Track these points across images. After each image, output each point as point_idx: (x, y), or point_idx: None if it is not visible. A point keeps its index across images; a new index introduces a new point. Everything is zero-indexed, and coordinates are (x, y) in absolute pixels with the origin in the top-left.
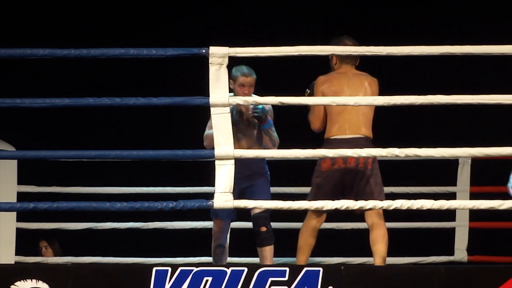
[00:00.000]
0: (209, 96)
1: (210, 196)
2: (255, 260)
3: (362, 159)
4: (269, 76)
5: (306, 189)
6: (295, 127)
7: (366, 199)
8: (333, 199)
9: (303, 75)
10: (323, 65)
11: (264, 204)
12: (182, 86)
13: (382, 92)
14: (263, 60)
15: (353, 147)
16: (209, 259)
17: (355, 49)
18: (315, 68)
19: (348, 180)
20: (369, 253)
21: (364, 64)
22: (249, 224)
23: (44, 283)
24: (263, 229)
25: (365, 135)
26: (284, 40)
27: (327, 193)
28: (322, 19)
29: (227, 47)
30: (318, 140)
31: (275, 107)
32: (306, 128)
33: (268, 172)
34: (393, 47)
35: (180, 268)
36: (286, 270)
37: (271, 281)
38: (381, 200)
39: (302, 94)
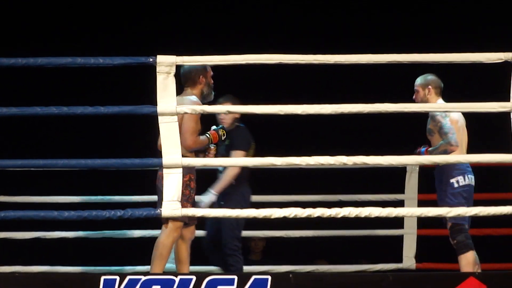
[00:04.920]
0: (156, 105)
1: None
2: (204, 268)
3: (160, 176)
4: (217, 85)
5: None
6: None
7: None
8: None
9: (250, 83)
10: (273, 72)
11: (212, 212)
12: (130, 95)
13: (331, 100)
14: (212, 69)
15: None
16: None
17: (303, 57)
18: (264, 75)
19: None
20: (317, 261)
21: (313, 72)
22: (197, 233)
23: None
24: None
25: None
26: (232, 49)
27: None
28: (269, 27)
29: (175, 56)
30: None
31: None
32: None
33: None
34: (340, 55)
35: (128, 277)
36: (234, 278)
37: None
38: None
39: (251, 102)
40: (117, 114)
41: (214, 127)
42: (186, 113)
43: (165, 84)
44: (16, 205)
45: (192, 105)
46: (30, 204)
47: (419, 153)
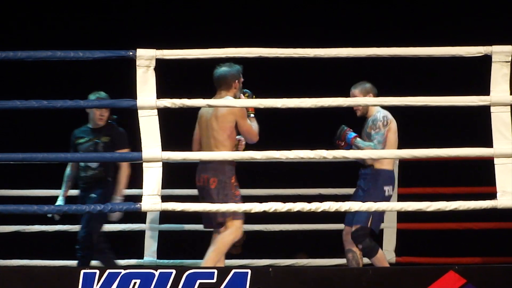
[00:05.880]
0: (136, 98)
1: (138, 198)
2: (184, 262)
3: (206, 179)
4: (197, 79)
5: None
6: None
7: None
8: None
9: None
10: (255, 65)
11: (192, 206)
12: (110, 89)
13: (312, 94)
14: (192, 63)
15: (205, 168)
16: (137, 261)
17: (282, 51)
18: (246, 69)
19: (202, 195)
20: (298, 255)
21: (292, 66)
22: (177, 227)
23: None
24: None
25: None
26: (213, 42)
27: None
28: (249, 21)
29: (154, 50)
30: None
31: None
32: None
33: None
34: (320, 49)
35: (108, 271)
36: (214, 272)
37: (200, 283)
38: (228, 217)
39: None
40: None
41: (243, 96)
42: (166, 106)
43: (145, 78)
44: None
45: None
46: (9, 197)
47: (345, 134)
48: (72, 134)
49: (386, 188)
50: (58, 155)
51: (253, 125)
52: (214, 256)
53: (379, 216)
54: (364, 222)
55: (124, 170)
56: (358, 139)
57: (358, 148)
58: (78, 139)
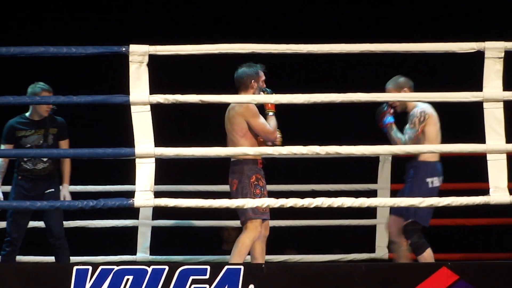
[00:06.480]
0: (129, 94)
1: (131, 194)
2: (177, 258)
3: (230, 181)
4: (191, 74)
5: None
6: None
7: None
8: None
9: (224, 73)
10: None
11: (185, 202)
12: (105, 84)
13: (303, 90)
14: (185, 59)
15: (230, 171)
16: (130, 257)
17: (276, 47)
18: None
19: (231, 198)
20: (286, 251)
21: (285, 62)
22: (170, 222)
23: None
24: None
25: (233, 159)
26: (206, 38)
27: None
28: (242, 17)
29: (147, 45)
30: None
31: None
32: None
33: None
34: (313, 45)
35: (100, 267)
36: (207, 269)
37: (192, 279)
38: (249, 214)
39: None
40: (90, 104)
41: (262, 94)
42: (158, 102)
43: (138, 74)
44: None
45: (245, 106)
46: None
47: (383, 115)
48: (8, 126)
49: (428, 180)
50: (51, 151)
51: (271, 124)
52: (237, 258)
53: (427, 209)
54: (412, 216)
55: (68, 161)
56: (393, 126)
57: (389, 134)
58: (20, 132)
